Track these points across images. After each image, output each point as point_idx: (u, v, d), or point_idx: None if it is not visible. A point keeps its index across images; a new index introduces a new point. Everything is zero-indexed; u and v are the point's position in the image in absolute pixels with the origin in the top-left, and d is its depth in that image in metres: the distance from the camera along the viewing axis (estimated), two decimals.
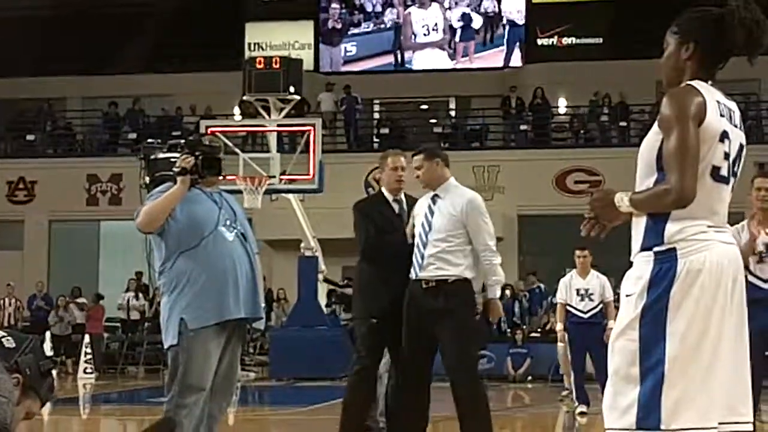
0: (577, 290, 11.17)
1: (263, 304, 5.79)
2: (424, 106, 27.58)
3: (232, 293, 5.54)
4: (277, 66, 17.47)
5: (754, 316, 7.21)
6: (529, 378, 18.35)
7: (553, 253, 20.67)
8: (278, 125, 18.07)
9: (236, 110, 24.00)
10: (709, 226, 3.36)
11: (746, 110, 25.14)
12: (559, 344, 12.61)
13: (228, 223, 5.67)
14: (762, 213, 7.15)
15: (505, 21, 27.67)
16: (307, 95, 21.79)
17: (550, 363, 17.71)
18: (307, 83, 20.11)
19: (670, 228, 3.33)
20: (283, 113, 17.85)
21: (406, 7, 28.11)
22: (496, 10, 27.70)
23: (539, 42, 27.51)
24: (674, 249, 3.32)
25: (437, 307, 6.45)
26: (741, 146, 3.50)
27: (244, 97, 18.13)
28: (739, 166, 3.52)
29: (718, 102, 3.42)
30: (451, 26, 27.85)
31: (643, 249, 3.39)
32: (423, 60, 27.82)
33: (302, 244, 17.97)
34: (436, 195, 6.72)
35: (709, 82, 3.47)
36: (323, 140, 19.12)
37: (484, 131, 25.21)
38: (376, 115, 27.23)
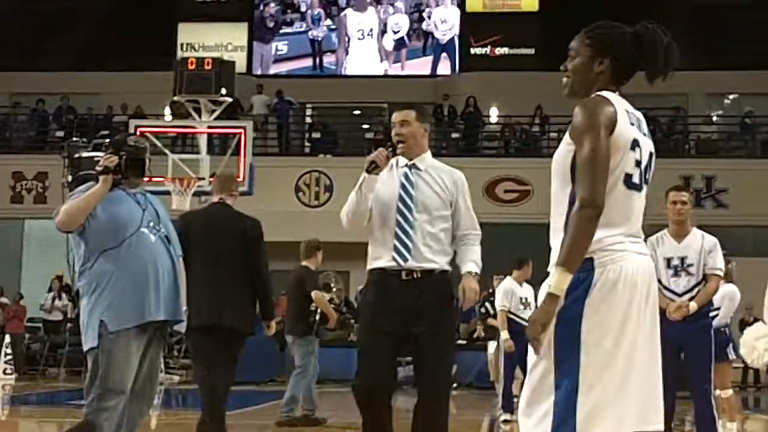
0: (521, 298, 11.31)
1: (185, 307, 5.73)
2: (357, 112, 27.60)
3: (153, 295, 5.47)
4: (209, 67, 17.35)
5: (666, 328, 7.36)
6: (454, 385, 18.42)
7: (482, 262, 20.76)
8: (209, 127, 17.93)
9: (167, 110, 23.77)
10: (626, 236, 3.41)
11: (674, 124, 25.58)
12: (490, 351, 12.66)
13: (151, 224, 5.60)
14: (677, 226, 7.28)
15: (436, 30, 27.83)
16: (240, 97, 21.66)
17: (475, 370, 17.82)
18: (240, 85, 19.99)
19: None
20: (214, 115, 17.73)
21: (341, 9, 28.14)
22: (430, 19, 27.86)
23: (473, 51, 27.69)
24: (591, 259, 3.36)
25: (418, 306, 5.30)
26: (651, 154, 3.59)
27: (175, 98, 17.96)
28: (650, 173, 3.60)
29: (627, 111, 3.49)
30: (384, 32, 27.94)
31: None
32: (356, 64, 27.84)
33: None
34: (414, 165, 5.55)
35: (617, 93, 3.54)
36: (254, 143, 19.01)
37: None
38: (308, 120, 27.18)
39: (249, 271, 7.38)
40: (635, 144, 3.47)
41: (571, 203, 3.41)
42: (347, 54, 27.99)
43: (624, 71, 3.54)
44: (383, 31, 27.96)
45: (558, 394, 3.31)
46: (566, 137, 3.47)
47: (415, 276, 5.34)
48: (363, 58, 27.88)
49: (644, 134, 3.55)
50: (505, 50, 27.63)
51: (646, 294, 3.41)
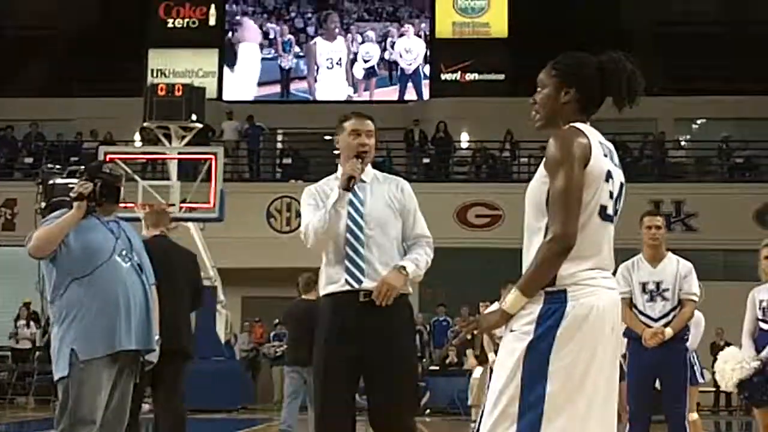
0: None
1: (157, 336, 5.69)
2: (328, 137, 27.61)
3: (124, 324, 5.43)
4: (180, 93, 17.33)
5: (642, 352, 7.38)
6: (428, 411, 18.38)
7: (453, 286, 20.77)
8: (179, 153, 17.88)
9: (137, 137, 23.69)
10: (598, 269, 3.43)
11: (643, 149, 25.75)
12: (476, 376, 12.63)
13: (124, 252, 5.56)
14: (651, 250, 7.31)
15: (401, 60, 27.96)
16: (210, 123, 21.64)
17: (449, 396, 17.79)
18: (211, 111, 19.97)
19: (562, 270, 3.38)
20: (185, 141, 17.70)
21: (311, 37, 28.21)
22: (394, 49, 27.99)
23: (443, 77, 27.82)
24: (564, 291, 3.39)
25: (377, 329, 4.85)
26: (621, 184, 3.61)
27: (145, 124, 17.92)
28: (620, 204, 3.62)
29: (600, 143, 3.51)
30: (354, 60, 28.04)
31: None
32: (325, 92, 27.88)
33: (201, 274, 17.75)
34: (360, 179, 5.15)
35: (587, 123, 3.56)
36: (225, 169, 18.98)
37: (386, 163, 25.34)
38: (279, 145, 27.17)
39: (193, 303, 7.80)
40: (609, 175, 3.49)
41: (547, 234, 3.42)
42: (316, 81, 28.04)
43: (591, 101, 3.57)
44: (353, 60, 28.05)
45: (521, 423, 3.31)
46: (541, 169, 3.50)
47: (370, 297, 4.85)
48: (332, 86, 27.93)
49: (615, 165, 3.57)
50: (475, 76, 27.76)
51: (611, 329, 3.44)
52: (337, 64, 27.95)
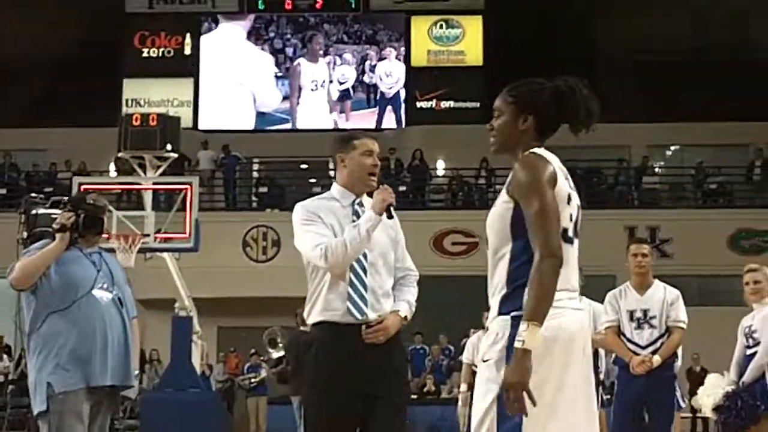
0: None
1: (136, 372, 5.63)
2: (304, 166, 27.60)
3: (100, 359, 5.38)
4: (155, 123, 17.25)
5: (630, 381, 7.38)
6: None
7: (430, 314, 20.74)
8: (154, 183, 17.80)
9: (112, 167, 23.59)
10: (563, 291, 3.42)
11: (617, 175, 25.88)
12: (460, 405, 12.59)
13: (105, 285, 5.53)
14: (638, 278, 7.33)
15: (381, 83, 28.02)
16: (186, 152, 21.57)
17: (427, 424, 17.71)
18: (186, 141, 19.91)
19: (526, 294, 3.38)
20: (160, 171, 17.61)
21: (290, 59, 28.21)
22: (374, 72, 28.06)
23: (418, 105, 27.89)
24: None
25: (379, 363, 4.63)
26: (578, 207, 3.63)
27: (120, 154, 17.83)
28: (579, 226, 3.62)
29: (560, 167, 3.56)
30: (330, 82, 28.08)
31: (501, 314, 3.43)
32: (307, 115, 27.85)
33: (176, 304, 17.66)
34: (360, 202, 4.91)
35: (542, 147, 3.60)
36: (201, 198, 18.90)
37: None
38: (255, 174, 27.12)
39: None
40: (570, 198, 3.53)
41: (513, 260, 3.42)
42: (299, 104, 28.01)
43: (547, 126, 3.60)
44: (330, 82, 28.09)
45: None
46: (503, 195, 3.51)
47: None
48: (314, 109, 27.92)
49: (572, 188, 3.60)
50: (450, 104, 27.86)
51: (582, 350, 3.44)
52: (321, 86, 27.97)
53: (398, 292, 4.86)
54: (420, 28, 28.07)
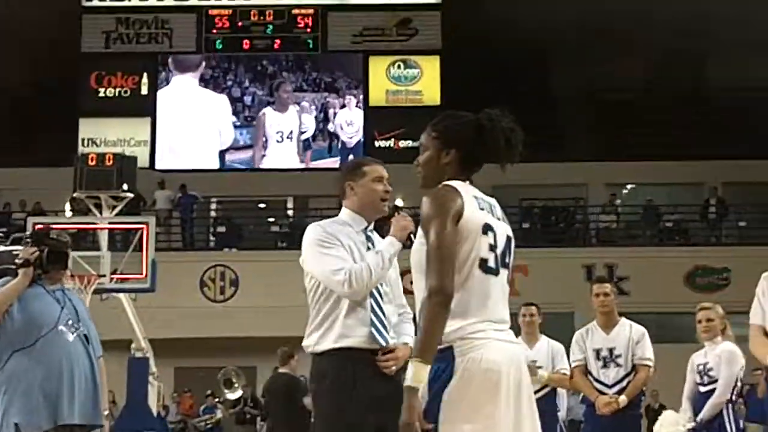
0: None
1: (106, 411, 5.53)
2: (262, 205, 27.52)
3: (68, 397, 5.30)
4: (110, 163, 17.15)
5: (597, 418, 7.36)
6: None
7: None
8: (110, 223, 17.66)
9: (67, 207, 23.38)
10: (487, 322, 3.37)
11: (574, 213, 26.05)
12: None
13: (69, 322, 5.45)
14: (603, 317, 7.34)
15: (342, 132, 28.05)
16: (143, 192, 21.45)
17: None
18: (143, 180, 19.80)
19: (448, 326, 3.33)
20: (116, 211, 17.48)
21: (248, 107, 28.17)
22: (335, 121, 28.08)
23: (377, 144, 27.95)
24: (451, 348, 3.33)
25: (391, 393, 4.27)
26: (509, 238, 3.58)
27: (75, 194, 17.69)
28: (509, 257, 3.57)
29: (476, 197, 3.52)
30: (293, 128, 28.06)
31: None
32: (274, 163, 27.75)
33: (133, 345, 17.48)
34: (373, 228, 4.89)
35: (467, 181, 3.57)
36: (158, 238, 18.78)
37: None
38: (213, 213, 27.00)
39: None
40: (487, 228, 3.47)
41: None
42: (265, 156, 27.87)
43: (471, 159, 3.59)
44: (301, 132, 27.98)
45: None
46: (419, 230, 3.51)
47: None
48: (281, 158, 27.75)
49: (498, 218, 3.56)
50: (409, 143, 27.93)
51: (514, 382, 3.34)
52: (287, 137, 27.83)
53: (399, 328, 4.73)
54: (378, 68, 28.19)
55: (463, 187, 3.51)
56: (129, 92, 27.98)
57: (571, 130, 25.71)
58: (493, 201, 3.61)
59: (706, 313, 7.51)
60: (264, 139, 27.93)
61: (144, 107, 27.78)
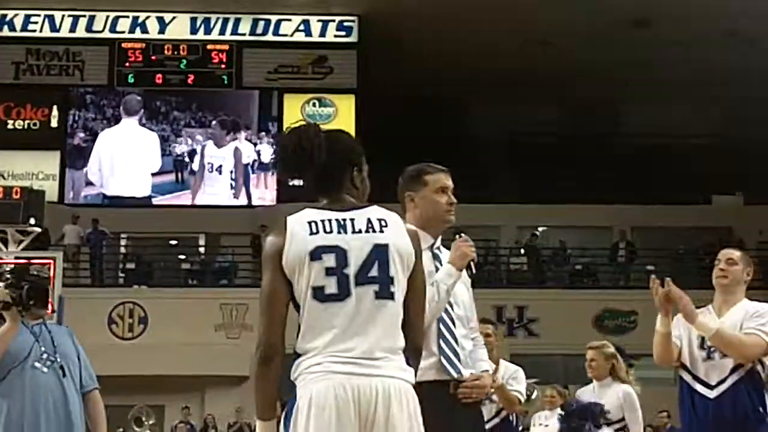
0: None
1: None
2: (173, 242, 27.21)
3: (32, 428, 5.20)
4: (18, 196, 16.85)
5: None
6: None
7: None
8: (16, 258, 17.29)
9: None
10: (328, 354, 3.20)
11: (487, 255, 26.26)
12: None
13: (44, 356, 5.35)
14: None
15: (249, 162, 27.91)
16: (51, 227, 21.06)
17: None
18: (53, 215, 19.45)
19: (296, 363, 3.28)
20: (22, 245, 17.15)
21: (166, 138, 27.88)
22: (249, 155, 27.97)
23: (291, 182, 27.82)
24: (295, 385, 3.27)
25: (469, 426, 4.08)
26: (375, 247, 3.31)
27: None
28: (378, 270, 3.27)
29: (311, 222, 3.36)
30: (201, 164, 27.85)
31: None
32: (185, 197, 27.44)
33: None
34: (440, 246, 4.40)
35: (326, 200, 3.51)
36: (66, 274, 18.44)
37: (233, 269, 25.07)
38: (123, 250, 26.60)
39: None
40: (320, 252, 3.27)
41: None
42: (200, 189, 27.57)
43: (311, 186, 3.55)
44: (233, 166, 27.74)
45: None
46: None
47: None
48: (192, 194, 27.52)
49: (357, 231, 3.35)
50: None
51: (365, 413, 3.14)
52: (216, 170, 27.52)
53: (475, 354, 4.34)
54: (293, 105, 28.15)
55: (302, 215, 3.40)
56: (39, 125, 27.49)
57: (485, 172, 25.97)
58: (355, 215, 3.40)
59: (591, 353, 7.61)
60: (180, 175, 27.64)
61: (54, 140, 27.31)
